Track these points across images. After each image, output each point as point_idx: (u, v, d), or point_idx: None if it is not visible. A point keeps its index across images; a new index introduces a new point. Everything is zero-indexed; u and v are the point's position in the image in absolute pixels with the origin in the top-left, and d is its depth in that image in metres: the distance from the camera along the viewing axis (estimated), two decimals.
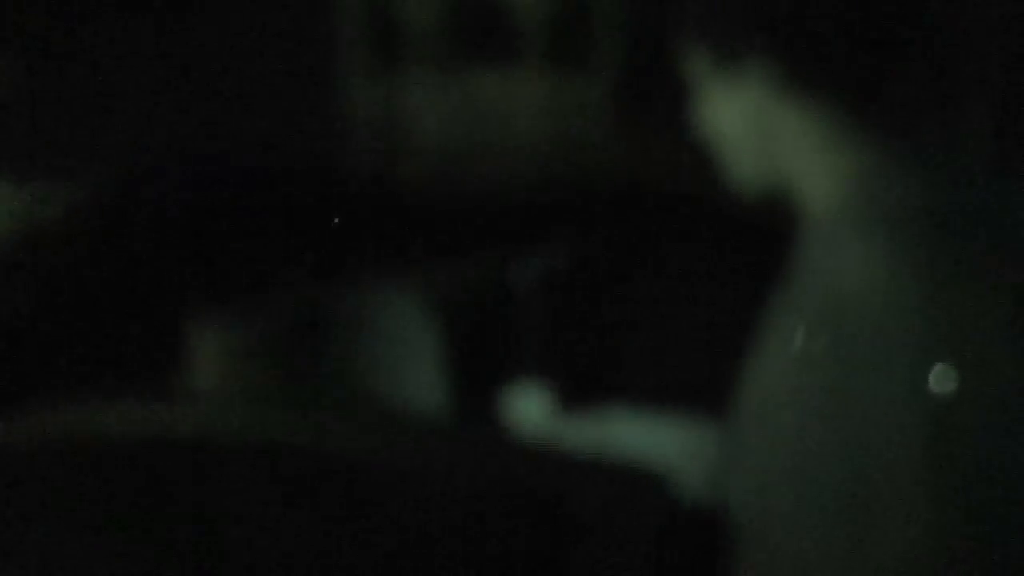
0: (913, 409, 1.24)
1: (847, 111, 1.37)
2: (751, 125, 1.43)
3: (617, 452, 1.71)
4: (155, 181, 2.79)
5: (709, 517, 1.65)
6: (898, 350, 1.23)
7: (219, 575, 1.45)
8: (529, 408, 1.84)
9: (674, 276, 2.32)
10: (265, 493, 1.49)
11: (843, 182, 1.39)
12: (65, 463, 1.55)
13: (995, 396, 1.23)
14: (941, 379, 1.22)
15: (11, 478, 1.58)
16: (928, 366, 1.23)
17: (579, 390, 1.85)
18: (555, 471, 1.39)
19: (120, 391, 1.60)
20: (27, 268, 2.33)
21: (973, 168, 1.35)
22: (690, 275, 2.32)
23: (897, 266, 1.26)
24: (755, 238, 2.36)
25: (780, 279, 1.43)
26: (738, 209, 2.17)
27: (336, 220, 2.49)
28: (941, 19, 1.31)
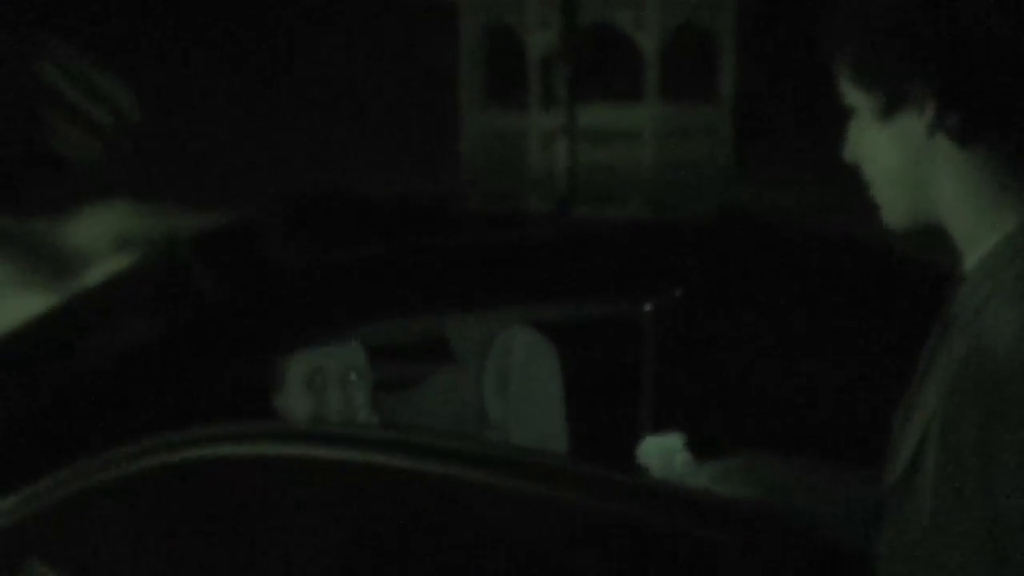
0: None
1: (1008, 163, 1.37)
2: (910, 167, 1.43)
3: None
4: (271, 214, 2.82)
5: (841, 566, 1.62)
6: None
7: None
8: (663, 454, 1.84)
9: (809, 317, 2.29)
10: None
11: (997, 236, 1.38)
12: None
13: None
14: None
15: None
16: None
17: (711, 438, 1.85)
18: (684, 511, 1.37)
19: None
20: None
21: None
22: (827, 317, 2.29)
23: None
24: (899, 281, 2.31)
25: (930, 328, 1.42)
26: (879, 248, 2.12)
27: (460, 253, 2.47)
28: None
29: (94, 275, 2.41)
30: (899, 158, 1.43)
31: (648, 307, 2.20)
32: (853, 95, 1.46)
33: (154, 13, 23.06)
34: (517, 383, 2.59)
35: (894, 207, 1.47)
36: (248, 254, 2.44)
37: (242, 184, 11.57)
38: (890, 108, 1.41)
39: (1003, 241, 1.37)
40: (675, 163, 15.94)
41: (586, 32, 13.56)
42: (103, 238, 2.52)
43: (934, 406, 1.36)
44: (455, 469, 1.47)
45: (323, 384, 2.40)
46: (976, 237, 1.41)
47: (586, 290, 2.31)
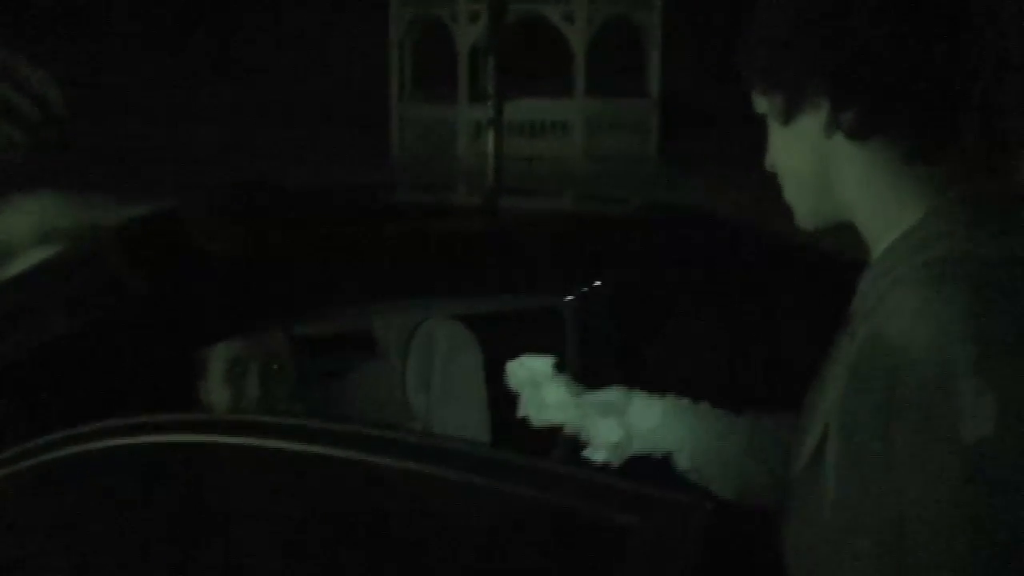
0: (950, 457, 1.24)
1: (905, 160, 1.41)
2: (814, 168, 1.48)
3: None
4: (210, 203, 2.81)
5: (749, 544, 1.65)
6: (938, 399, 1.23)
7: None
8: (532, 378, 1.91)
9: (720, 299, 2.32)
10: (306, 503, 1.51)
11: (899, 230, 1.42)
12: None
13: None
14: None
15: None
16: (971, 417, 1.23)
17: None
18: (596, 495, 1.40)
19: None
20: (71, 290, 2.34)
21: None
22: (738, 300, 2.32)
23: (940, 316, 1.25)
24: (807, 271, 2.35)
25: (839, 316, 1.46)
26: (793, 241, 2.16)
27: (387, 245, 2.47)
28: (998, 76, 1.34)
29: (17, 266, 2.39)
30: (803, 159, 1.48)
31: (569, 299, 2.23)
32: (759, 101, 1.51)
33: (81, 5, 22.84)
34: (439, 375, 2.61)
35: (804, 207, 1.53)
36: (172, 245, 2.43)
37: (171, 175, 11.49)
38: (790, 111, 1.46)
39: (904, 235, 1.41)
40: (602, 156, 16.04)
41: (515, 25, 13.60)
42: (27, 230, 2.50)
43: (834, 396, 1.39)
44: (365, 456, 1.48)
45: (243, 375, 2.41)
46: (880, 232, 1.45)
47: (508, 282, 2.33)
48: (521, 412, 1.98)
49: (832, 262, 2.28)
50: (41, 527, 1.70)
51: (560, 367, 1.98)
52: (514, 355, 2.02)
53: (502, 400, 2.06)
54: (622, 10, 15.87)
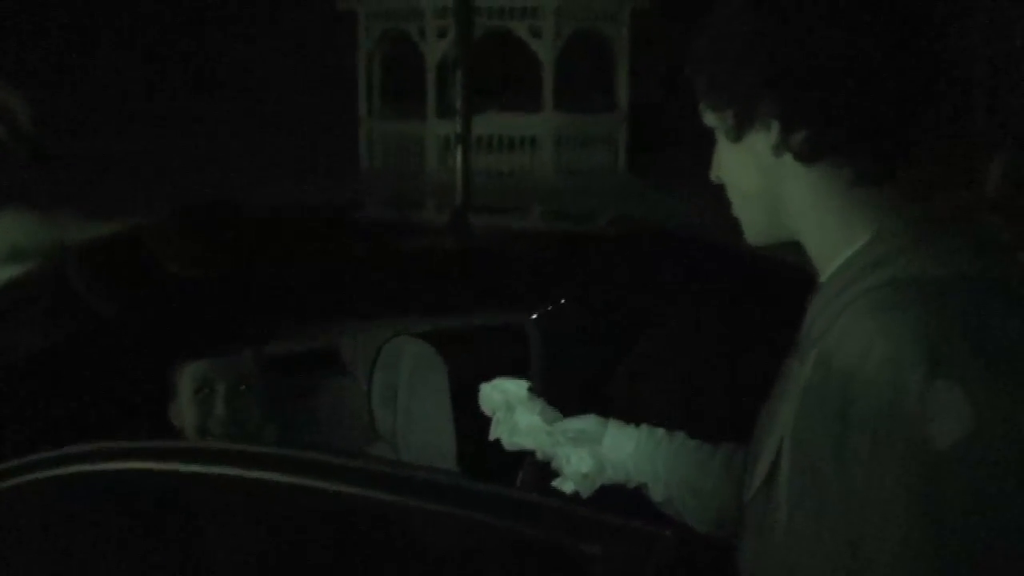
0: (906, 477, 1.24)
1: (854, 182, 1.41)
2: (762, 185, 1.48)
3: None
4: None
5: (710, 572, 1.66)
6: (893, 422, 1.24)
7: None
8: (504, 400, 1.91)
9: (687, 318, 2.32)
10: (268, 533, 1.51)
11: (848, 252, 1.42)
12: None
13: (991, 453, 1.24)
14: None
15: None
16: (926, 438, 1.24)
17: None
18: (560, 524, 1.40)
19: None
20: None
21: (976, 243, 1.38)
22: (700, 319, 2.33)
23: (892, 339, 1.27)
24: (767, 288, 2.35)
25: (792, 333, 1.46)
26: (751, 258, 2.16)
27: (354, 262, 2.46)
28: (948, 102, 1.35)
29: None
30: (751, 177, 1.48)
31: (533, 316, 2.23)
32: (708, 116, 1.51)
33: (49, 23, 22.75)
34: (405, 393, 2.61)
35: (752, 224, 1.53)
36: (136, 265, 2.42)
37: (140, 192, 11.43)
38: (740, 128, 1.46)
39: (851, 257, 1.41)
40: (571, 170, 16.05)
41: (483, 40, 13.58)
42: None
43: (786, 421, 1.39)
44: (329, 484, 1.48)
45: (209, 396, 2.40)
46: (828, 253, 1.45)
47: (473, 300, 2.33)
48: (493, 435, 1.98)
49: (798, 275, 2.29)
50: (2, 555, 1.70)
51: (532, 390, 1.98)
52: (479, 373, 2.01)
53: (468, 419, 2.06)
54: (589, 24, 15.90)
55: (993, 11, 11.22)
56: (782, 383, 1.46)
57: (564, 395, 1.92)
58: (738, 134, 1.46)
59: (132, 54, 22.69)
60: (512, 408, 1.95)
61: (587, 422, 1.87)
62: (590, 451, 1.85)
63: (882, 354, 1.26)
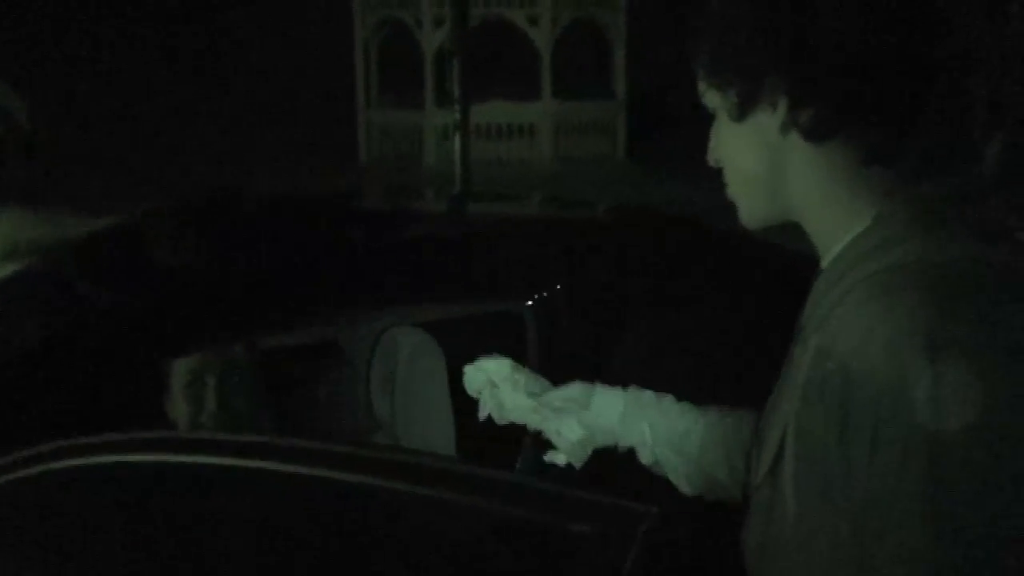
0: (910, 463, 1.23)
1: (860, 163, 1.38)
2: (765, 166, 1.44)
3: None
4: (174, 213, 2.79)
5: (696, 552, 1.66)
6: (896, 409, 1.23)
7: None
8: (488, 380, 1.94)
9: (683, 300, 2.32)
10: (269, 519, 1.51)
11: (850, 236, 1.40)
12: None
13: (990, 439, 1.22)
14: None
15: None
16: (930, 424, 1.22)
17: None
18: (549, 504, 1.41)
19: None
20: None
21: (977, 226, 1.36)
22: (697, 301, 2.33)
23: (894, 326, 1.25)
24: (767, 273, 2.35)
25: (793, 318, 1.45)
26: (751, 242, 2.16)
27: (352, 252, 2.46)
28: (954, 84, 1.32)
29: None
30: (754, 157, 1.44)
31: (529, 303, 2.22)
32: (710, 96, 1.47)
33: (44, 18, 22.72)
34: (403, 381, 2.61)
35: (750, 207, 1.49)
36: (133, 258, 2.42)
37: (139, 185, 11.44)
38: (744, 107, 1.41)
39: (854, 241, 1.38)
40: (570, 158, 16.05)
41: (480, 29, 13.57)
42: None
43: (789, 408, 1.38)
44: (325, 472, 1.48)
45: (202, 387, 2.39)
46: (830, 236, 1.42)
47: (471, 288, 2.33)
48: (483, 414, 1.98)
49: (797, 261, 2.28)
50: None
51: (519, 366, 1.97)
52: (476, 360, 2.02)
53: (467, 405, 2.06)
54: (587, 12, 15.88)
55: None
56: (785, 371, 1.45)
57: (561, 382, 1.92)
58: (742, 113, 1.42)
59: (126, 46, 22.66)
60: (495, 386, 1.95)
61: (573, 389, 1.87)
62: (578, 419, 1.85)
63: (883, 339, 1.24)
